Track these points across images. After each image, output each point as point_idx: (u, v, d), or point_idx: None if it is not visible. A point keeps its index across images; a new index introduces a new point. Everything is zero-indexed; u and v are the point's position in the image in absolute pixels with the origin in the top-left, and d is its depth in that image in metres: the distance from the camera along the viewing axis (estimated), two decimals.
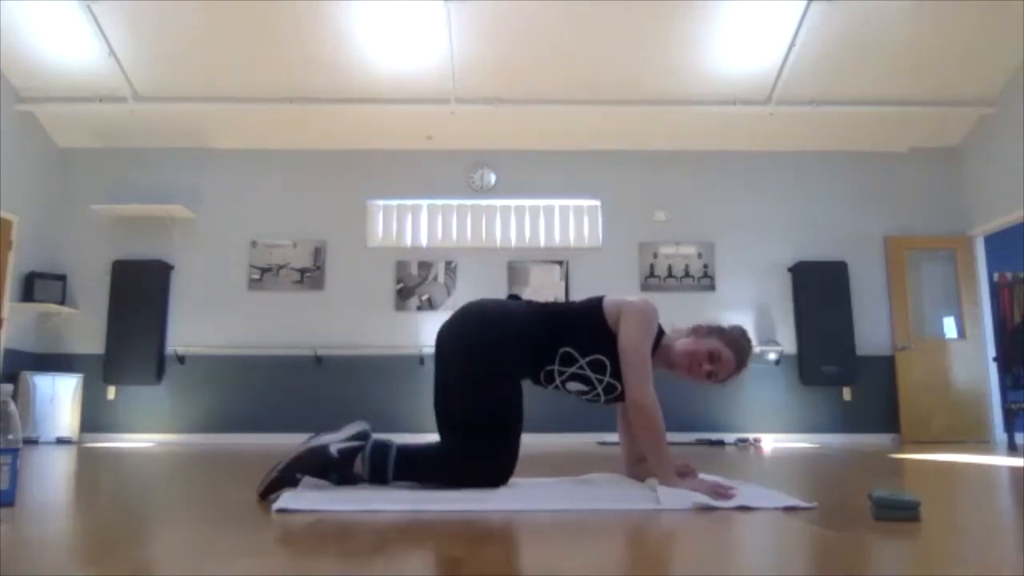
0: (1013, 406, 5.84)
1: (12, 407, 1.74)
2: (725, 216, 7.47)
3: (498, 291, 7.16)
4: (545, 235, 7.48)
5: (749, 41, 6.52)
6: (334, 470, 1.98)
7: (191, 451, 5.06)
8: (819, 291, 7.20)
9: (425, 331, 7.16)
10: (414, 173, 7.54)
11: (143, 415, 7.04)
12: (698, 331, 2.19)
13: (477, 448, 2.06)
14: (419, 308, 7.27)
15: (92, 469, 3.29)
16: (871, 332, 7.23)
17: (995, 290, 6.23)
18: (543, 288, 7.24)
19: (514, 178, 7.54)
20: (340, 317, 7.23)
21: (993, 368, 6.75)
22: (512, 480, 2.14)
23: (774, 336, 7.24)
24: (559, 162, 7.55)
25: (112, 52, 6.53)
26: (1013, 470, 3.24)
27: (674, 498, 1.82)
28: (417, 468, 2.08)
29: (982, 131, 7.22)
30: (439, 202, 7.51)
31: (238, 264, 7.35)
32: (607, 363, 2.13)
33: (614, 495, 1.96)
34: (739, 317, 6.95)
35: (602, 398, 2.20)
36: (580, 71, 6.79)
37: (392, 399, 7.03)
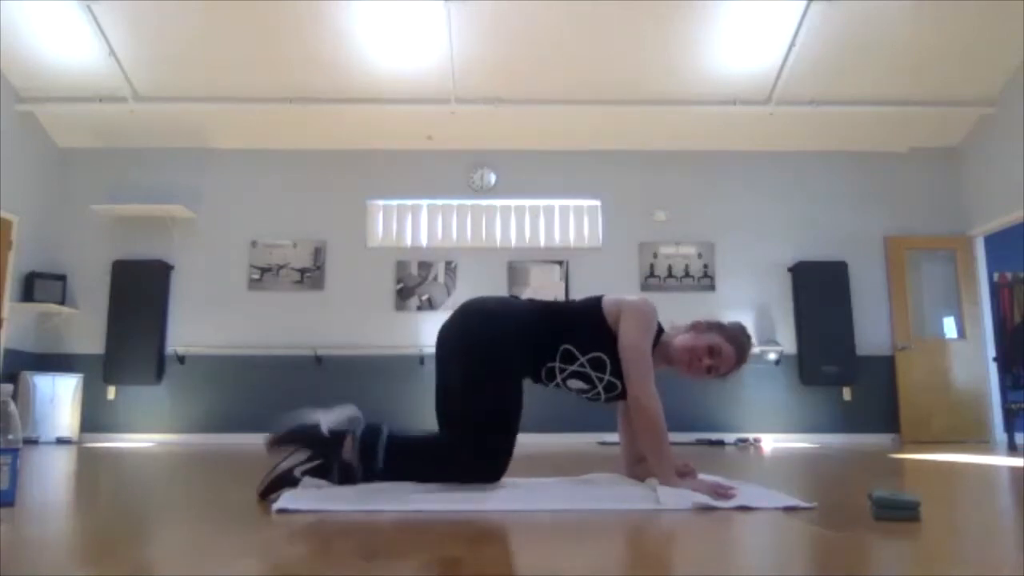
0: (1013, 406, 5.84)
1: (12, 407, 1.74)
2: (725, 216, 7.47)
3: (498, 291, 7.16)
4: (545, 235, 7.48)
5: (749, 41, 6.52)
6: (322, 448, 1.95)
7: (191, 451, 5.06)
8: (819, 291, 7.20)
9: (425, 331, 7.16)
10: (414, 173, 7.54)
11: (143, 415, 7.04)
12: (697, 327, 2.20)
13: (474, 446, 2.05)
14: (419, 308, 7.27)
15: (92, 469, 3.29)
16: (871, 332, 7.23)
17: (995, 290, 6.23)
18: (543, 288, 7.24)
19: (514, 178, 7.54)
20: (340, 317, 7.23)
21: (993, 368, 6.75)
22: (512, 480, 2.14)
23: (774, 336, 7.24)
24: (559, 162, 7.55)
25: (112, 52, 6.53)
26: (1013, 470, 3.24)
27: (674, 498, 1.82)
28: (409, 457, 2.06)
29: (982, 131, 7.22)
30: (439, 202, 7.51)
31: (238, 264, 7.35)
32: (607, 361, 2.13)
33: (614, 495, 1.96)
34: (739, 317, 6.88)
35: (603, 397, 2.20)
36: (580, 71, 6.79)
37: (392, 399, 7.03)
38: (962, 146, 7.50)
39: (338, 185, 7.51)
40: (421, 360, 7.07)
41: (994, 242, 7.30)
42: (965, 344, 7.20)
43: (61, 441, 6.52)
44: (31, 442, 6.22)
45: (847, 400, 7.12)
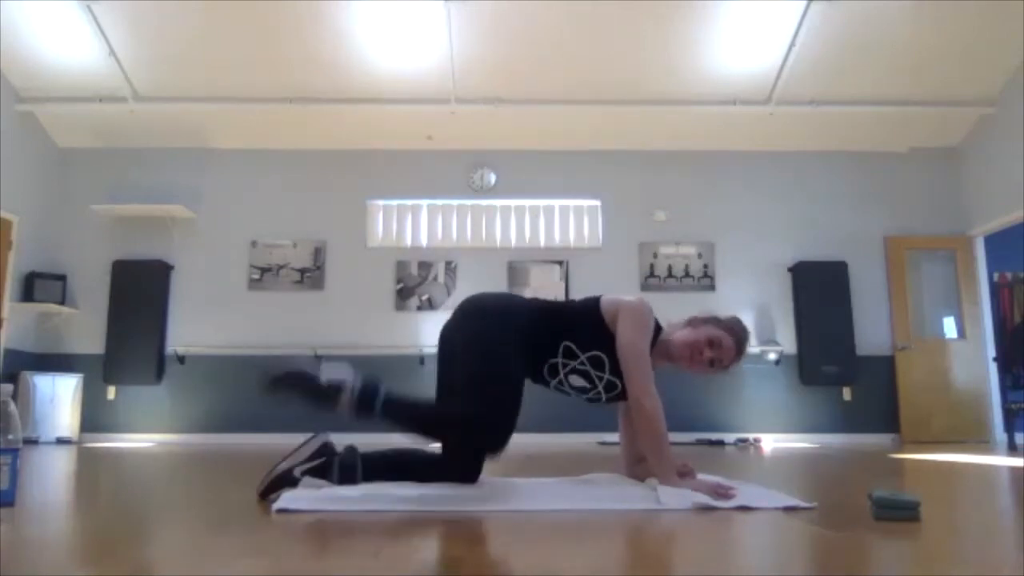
0: (1013, 406, 5.84)
1: (12, 407, 1.74)
2: (725, 216, 7.47)
3: (498, 290, 7.15)
4: (545, 235, 7.48)
5: (749, 41, 6.52)
6: (315, 394, 1.94)
7: (191, 451, 5.06)
8: (819, 291, 7.20)
9: (425, 331, 7.16)
10: (414, 173, 7.54)
11: (143, 415, 7.04)
12: (694, 322, 2.23)
13: (470, 439, 2.05)
14: (419, 308, 7.27)
15: (92, 469, 3.29)
16: (871, 332, 7.23)
17: (995, 290, 6.23)
18: (543, 288, 7.24)
19: (514, 178, 7.54)
20: (340, 317, 7.23)
21: (993, 368, 6.75)
22: (512, 480, 2.14)
23: (774, 336, 7.24)
24: (559, 162, 7.55)
25: (112, 52, 6.53)
26: (1013, 470, 3.24)
27: (674, 498, 1.82)
28: (407, 419, 2.05)
29: (982, 131, 7.22)
30: (439, 202, 7.51)
31: (238, 264, 7.35)
32: (606, 360, 2.14)
33: (614, 495, 1.96)
34: (739, 317, 6.93)
35: (603, 396, 2.21)
36: (580, 71, 6.79)
37: None
38: (962, 146, 7.50)
39: (338, 185, 7.51)
40: (421, 360, 7.06)
41: (994, 242, 7.30)
42: (965, 344, 7.20)
43: (61, 441, 6.52)
44: (31, 442, 6.22)
45: (847, 400, 7.12)
